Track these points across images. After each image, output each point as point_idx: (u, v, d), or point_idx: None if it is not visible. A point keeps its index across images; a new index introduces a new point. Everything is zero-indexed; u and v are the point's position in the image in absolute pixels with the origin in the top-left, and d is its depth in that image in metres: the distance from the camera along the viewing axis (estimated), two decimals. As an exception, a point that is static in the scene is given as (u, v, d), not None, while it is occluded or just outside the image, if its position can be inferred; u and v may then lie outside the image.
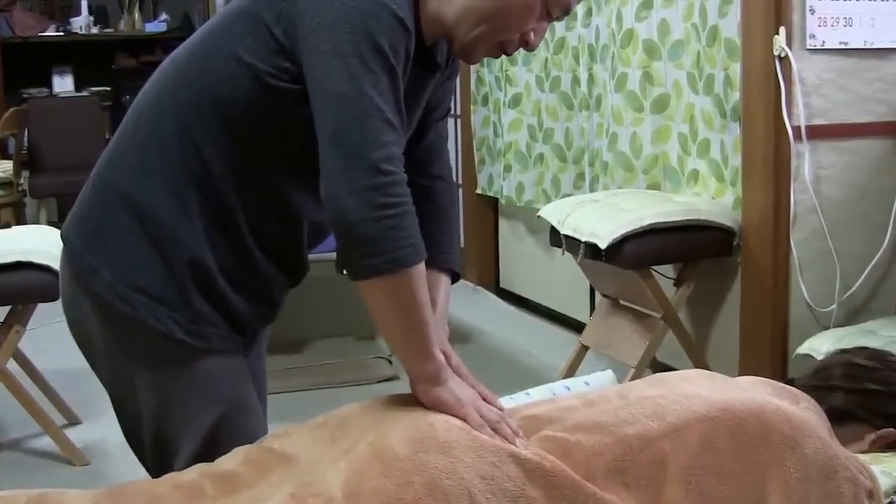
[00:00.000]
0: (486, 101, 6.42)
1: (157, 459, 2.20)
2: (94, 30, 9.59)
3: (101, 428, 4.38)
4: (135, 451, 2.29)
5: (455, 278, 2.41)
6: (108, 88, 9.63)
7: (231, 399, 2.23)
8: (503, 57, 2.36)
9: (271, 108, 2.08)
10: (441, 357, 2.10)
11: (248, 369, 2.30)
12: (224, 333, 2.20)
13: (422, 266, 2.01)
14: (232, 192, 2.13)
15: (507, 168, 6.06)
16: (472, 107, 6.54)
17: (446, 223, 2.42)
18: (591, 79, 5.19)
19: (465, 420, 2.05)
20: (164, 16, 9.97)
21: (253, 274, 2.22)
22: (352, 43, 1.95)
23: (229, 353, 2.22)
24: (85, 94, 9.39)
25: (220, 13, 2.19)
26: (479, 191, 6.63)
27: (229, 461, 2.09)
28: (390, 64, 1.98)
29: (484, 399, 2.14)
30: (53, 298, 3.96)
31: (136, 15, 9.80)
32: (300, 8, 2.00)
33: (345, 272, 2.01)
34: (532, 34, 2.14)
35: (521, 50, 2.18)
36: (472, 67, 6.29)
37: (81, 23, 9.48)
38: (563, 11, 2.16)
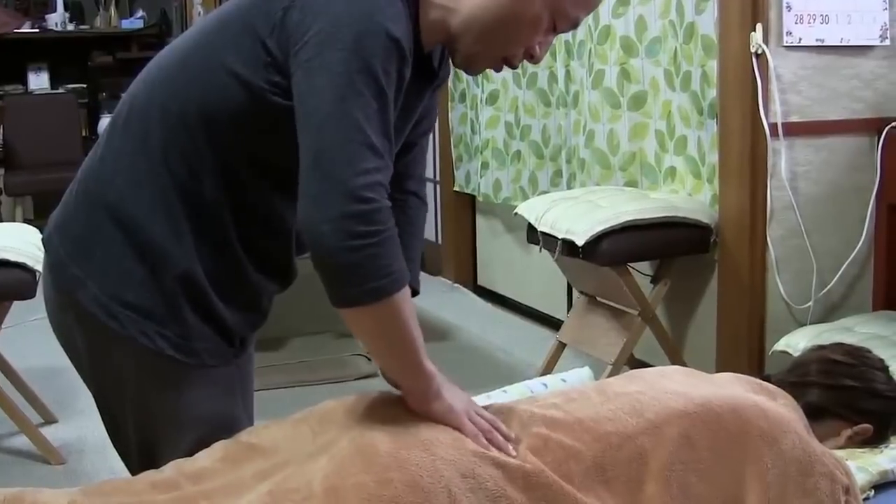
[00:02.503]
0: (463, 97, 6.42)
1: (143, 468, 2.16)
2: (70, 26, 9.53)
3: (77, 427, 4.38)
4: (121, 457, 2.26)
5: (413, 294, 2.35)
6: (85, 86, 9.57)
7: (219, 416, 2.21)
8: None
9: (262, 123, 2.03)
10: (432, 368, 2.07)
11: (236, 381, 2.28)
12: (214, 347, 2.16)
13: (406, 289, 1.97)
14: (222, 204, 2.09)
15: (485, 165, 6.06)
16: (449, 103, 6.53)
17: (412, 239, 2.37)
18: (569, 75, 5.19)
19: (459, 430, 2.04)
20: (140, 13, 9.92)
21: (243, 284, 2.19)
22: (342, 62, 1.89)
23: (219, 366, 2.19)
24: (61, 91, 9.34)
25: (214, 17, 2.13)
26: (456, 188, 6.62)
27: (206, 458, 2.08)
28: (381, 87, 1.92)
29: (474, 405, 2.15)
30: (30, 296, 3.95)
31: (112, 12, 9.75)
32: (294, 19, 1.95)
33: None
34: (538, 47, 2.10)
35: None
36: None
37: (57, 19, 9.43)
38: (571, 25, 2.12)
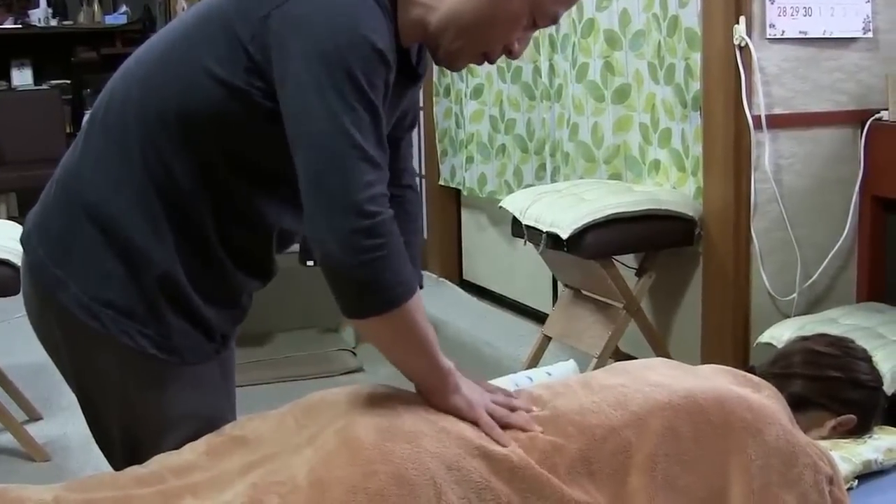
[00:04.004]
0: (447, 92, 6.41)
1: (127, 466, 2.14)
2: (53, 22, 9.51)
3: (62, 423, 4.37)
4: (105, 455, 2.25)
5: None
6: (68, 81, 9.56)
7: (204, 413, 2.20)
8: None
9: (241, 124, 2.02)
10: (448, 364, 2.09)
11: (219, 377, 2.28)
12: (196, 344, 2.16)
13: (417, 294, 1.99)
14: (201, 204, 2.08)
15: (470, 159, 6.06)
16: (433, 98, 6.53)
17: (414, 236, 2.39)
18: (552, 69, 5.19)
19: (476, 424, 2.06)
20: (123, 8, 9.89)
21: (224, 283, 2.19)
22: (329, 77, 1.88)
23: (201, 363, 2.19)
24: (44, 87, 9.32)
25: (192, 14, 2.11)
26: (441, 182, 6.62)
27: (190, 452, 2.08)
28: (370, 99, 1.92)
29: (489, 389, 2.19)
30: (14, 292, 3.93)
31: (96, 7, 9.73)
32: (273, 30, 1.94)
33: (308, 263, 1.98)
34: (516, 43, 2.11)
35: None
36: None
37: (40, 15, 9.41)
38: (551, 21, 2.12)
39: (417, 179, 2.46)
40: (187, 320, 2.13)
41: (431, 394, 2.10)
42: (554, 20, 2.13)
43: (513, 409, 2.13)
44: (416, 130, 2.47)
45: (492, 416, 2.08)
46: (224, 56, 1.99)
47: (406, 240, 2.04)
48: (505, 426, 2.07)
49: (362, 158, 1.90)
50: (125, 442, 2.18)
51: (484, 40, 2.08)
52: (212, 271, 2.15)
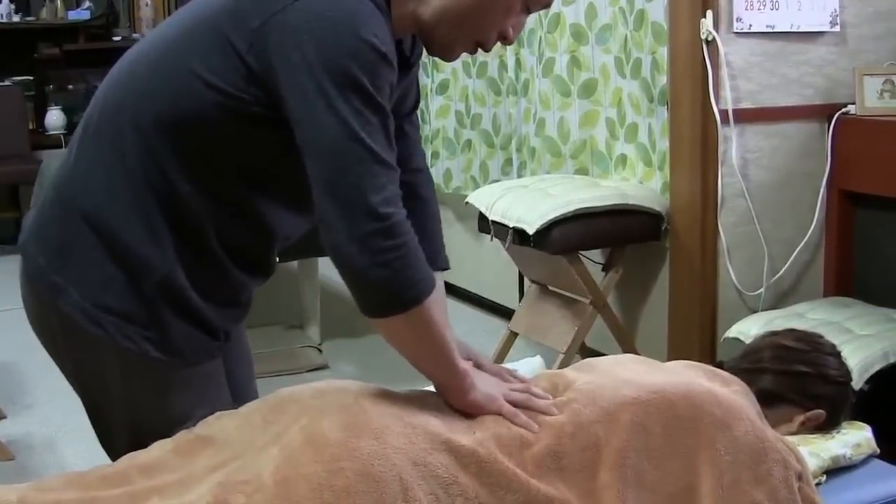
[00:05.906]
0: (413, 87, 6.39)
1: None
2: (16, 18, 9.44)
3: (26, 422, 4.34)
4: (108, 454, 2.24)
5: (444, 270, 2.44)
6: (31, 78, 9.50)
7: (208, 412, 2.20)
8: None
9: (237, 131, 2.02)
10: (464, 365, 2.12)
11: (222, 372, 2.29)
12: (198, 344, 2.17)
13: (434, 293, 2.00)
14: (200, 210, 2.08)
15: (435, 154, 6.04)
16: (399, 93, 6.52)
17: (432, 220, 2.42)
18: (519, 64, 5.18)
19: (499, 414, 2.10)
20: (87, 3, 9.82)
21: (225, 283, 2.20)
22: (334, 84, 1.90)
23: (205, 362, 2.20)
24: (7, 83, 9.25)
25: (182, 21, 2.10)
26: (407, 178, 6.59)
27: (158, 449, 2.08)
28: (377, 102, 1.94)
29: (506, 378, 2.23)
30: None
31: (59, 2, 9.66)
32: (271, 41, 1.94)
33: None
34: (510, 29, 2.12)
35: None
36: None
37: (2, 10, 9.32)
38: (543, 5, 2.15)
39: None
40: (189, 321, 2.14)
41: (450, 392, 2.13)
42: (547, 4, 2.15)
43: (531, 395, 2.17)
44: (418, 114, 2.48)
45: (513, 403, 2.12)
46: (218, 65, 1.99)
47: (425, 225, 2.07)
48: (526, 407, 2.11)
49: (374, 162, 1.92)
50: (130, 443, 2.16)
51: (479, 29, 2.10)
52: (212, 272, 2.15)
